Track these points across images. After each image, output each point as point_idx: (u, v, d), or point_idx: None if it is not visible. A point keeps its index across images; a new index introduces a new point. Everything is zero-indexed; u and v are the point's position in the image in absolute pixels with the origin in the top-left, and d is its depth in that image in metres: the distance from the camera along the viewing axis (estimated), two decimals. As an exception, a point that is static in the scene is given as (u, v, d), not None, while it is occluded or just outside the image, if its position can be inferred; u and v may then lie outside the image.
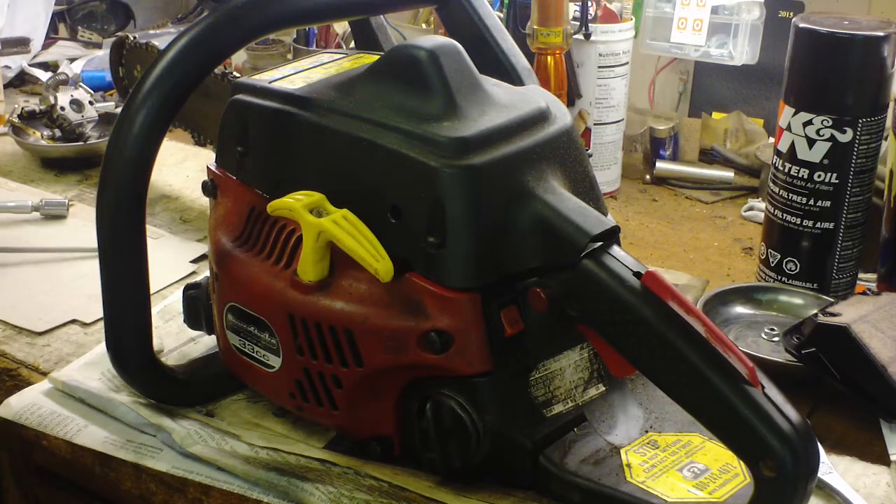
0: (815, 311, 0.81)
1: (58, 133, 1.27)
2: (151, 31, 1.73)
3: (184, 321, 0.79)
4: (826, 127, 0.89)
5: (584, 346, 0.68)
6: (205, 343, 0.83)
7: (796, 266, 0.93)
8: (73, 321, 0.89)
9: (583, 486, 0.63)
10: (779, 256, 0.94)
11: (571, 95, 1.17)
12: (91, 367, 0.80)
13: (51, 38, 1.72)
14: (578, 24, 1.15)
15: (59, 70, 1.50)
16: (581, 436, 0.66)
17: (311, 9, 0.72)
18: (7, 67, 1.55)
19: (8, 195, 1.14)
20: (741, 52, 1.27)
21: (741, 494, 0.62)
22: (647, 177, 1.28)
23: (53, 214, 1.09)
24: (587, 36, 1.16)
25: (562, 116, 0.68)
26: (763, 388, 0.57)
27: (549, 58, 1.10)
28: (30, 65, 1.60)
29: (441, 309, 0.62)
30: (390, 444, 0.68)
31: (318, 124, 0.67)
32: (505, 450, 0.64)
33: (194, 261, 1.00)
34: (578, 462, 0.64)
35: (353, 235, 0.63)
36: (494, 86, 0.69)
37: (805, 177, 0.91)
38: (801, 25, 0.90)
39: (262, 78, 0.73)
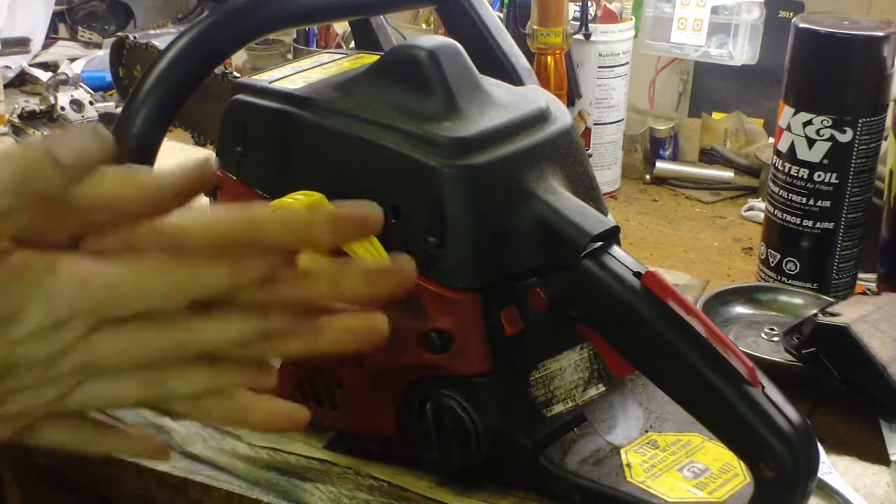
0: (815, 311, 0.81)
1: (58, 133, 1.27)
2: (151, 31, 1.73)
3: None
4: (826, 127, 0.89)
5: (584, 346, 0.68)
6: (205, 343, 0.83)
7: (796, 266, 0.93)
8: (74, 321, 0.89)
9: (583, 486, 0.63)
10: (779, 256, 0.94)
11: (571, 95, 1.17)
12: (91, 367, 0.79)
13: (51, 39, 1.72)
14: (578, 24, 1.15)
15: (60, 70, 1.50)
16: (581, 436, 0.66)
17: (311, 9, 0.72)
18: (7, 67, 1.55)
19: (8, 195, 1.14)
20: (741, 52, 1.27)
21: (741, 494, 0.62)
22: (647, 177, 1.27)
23: (53, 214, 1.09)
24: (587, 36, 1.16)
25: (562, 116, 0.68)
26: (763, 388, 0.57)
27: (549, 58, 1.10)
28: (30, 65, 1.60)
29: (441, 309, 0.62)
30: (390, 444, 0.68)
31: (318, 124, 0.67)
32: (505, 450, 0.64)
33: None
34: (578, 462, 0.64)
35: (353, 235, 0.63)
36: (494, 86, 0.69)
37: (805, 177, 0.91)
38: (801, 25, 0.90)
39: (262, 78, 0.73)
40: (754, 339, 0.85)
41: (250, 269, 0.43)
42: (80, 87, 1.33)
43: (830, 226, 0.91)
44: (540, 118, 0.66)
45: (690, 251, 1.10)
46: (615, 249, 0.62)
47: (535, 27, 1.09)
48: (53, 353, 0.41)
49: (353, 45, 1.03)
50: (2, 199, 0.40)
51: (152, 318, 0.42)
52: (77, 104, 1.29)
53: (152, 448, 0.49)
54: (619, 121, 1.22)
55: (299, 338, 0.45)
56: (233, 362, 0.45)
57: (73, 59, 1.60)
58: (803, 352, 0.77)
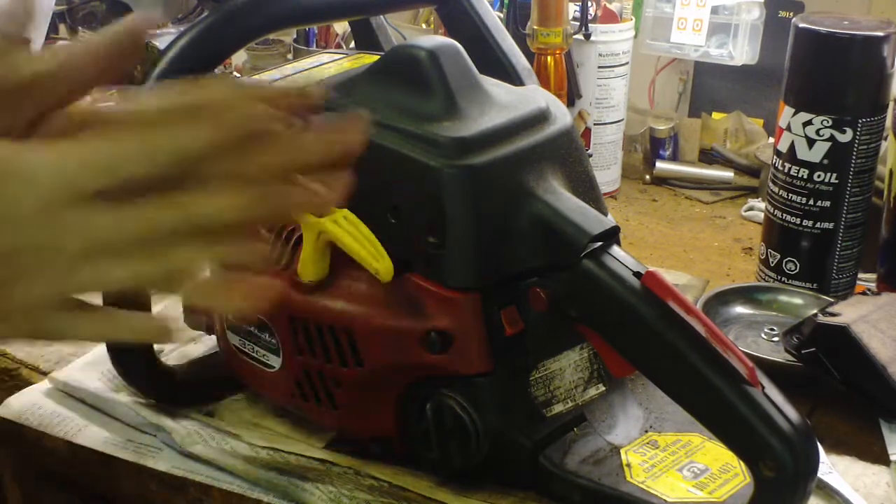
0: (815, 311, 0.81)
1: (58, 133, 1.27)
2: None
3: (184, 321, 0.79)
4: (826, 127, 0.89)
5: (584, 346, 0.68)
6: (205, 343, 0.83)
7: (796, 266, 0.93)
8: (74, 321, 0.89)
9: (583, 486, 0.63)
10: (779, 256, 0.94)
11: (571, 95, 1.17)
12: (91, 366, 0.80)
13: (51, 39, 1.72)
14: (578, 24, 1.15)
15: (59, 70, 1.50)
16: (581, 436, 0.66)
17: (311, 9, 0.72)
18: (7, 67, 1.55)
19: (8, 195, 1.14)
20: (741, 52, 1.27)
21: (741, 494, 0.62)
22: (647, 177, 1.28)
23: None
24: (587, 36, 1.16)
25: (562, 116, 0.68)
26: (763, 388, 0.57)
27: (549, 58, 1.10)
28: (30, 65, 1.59)
29: (441, 309, 0.62)
30: (390, 444, 0.68)
31: (319, 124, 0.67)
32: (505, 450, 0.64)
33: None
34: (578, 462, 0.64)
35: (354, 235, 0.63)
36: (494, 86, 0.69)
37: (805, 177, 0.91)
38: (801, 25, 0.90)
39: (262, 78, 0.73)
40: (754, 339, 0.85)
41: (232, 127, 0.42)
42: (80, 87, 1.33)
43: (830, 226, 0.91)
44: (540, 118, 0.66)
45: (690, 251, 1.10)
46: (615, 249, 0.62)
47: (535, 27, 1.09)
48: (52, 237, 0.41)
49: (353, 45, 1.03)
50: None
51: (145, 194, 0.42)
52: (77, 104, 1.28)
53: (156, 328, 0.48)
54: (619, 121, 1.22)
55: (280, 202, 0.44)
56: (227, 234, 0.44)
57: (73, 60, 1.60)
58: (803, 352, 0.77)
